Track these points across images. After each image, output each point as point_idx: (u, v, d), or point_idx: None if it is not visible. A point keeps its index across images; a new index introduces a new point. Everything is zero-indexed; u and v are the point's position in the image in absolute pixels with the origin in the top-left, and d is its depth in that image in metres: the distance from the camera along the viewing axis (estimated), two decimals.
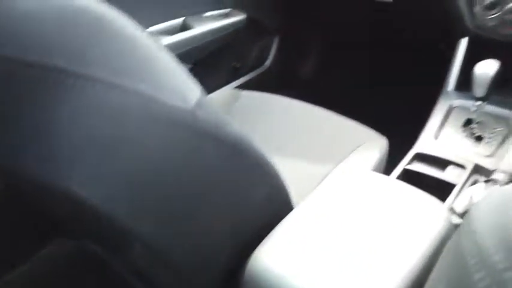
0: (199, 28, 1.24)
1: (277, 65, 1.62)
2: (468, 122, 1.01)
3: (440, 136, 0.99)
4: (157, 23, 1.20)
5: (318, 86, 1.65)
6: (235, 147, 0.45)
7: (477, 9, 0.99)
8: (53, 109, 0.32)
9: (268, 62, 1.61)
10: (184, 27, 1.25)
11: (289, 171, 0.90)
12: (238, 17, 1.36)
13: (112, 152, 0.35)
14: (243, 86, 1.53)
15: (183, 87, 0.40)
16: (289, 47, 1.64)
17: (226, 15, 1.35)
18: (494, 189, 0.50)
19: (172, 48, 1.19)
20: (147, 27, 1.18)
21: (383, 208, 0.54)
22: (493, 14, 0.97)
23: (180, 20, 1.25)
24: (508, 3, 0.94)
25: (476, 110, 0.97)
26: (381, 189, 0.58)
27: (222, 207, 0.46)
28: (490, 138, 0.95)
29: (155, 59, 0.39)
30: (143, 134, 0.36)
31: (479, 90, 0.92)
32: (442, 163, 0.92)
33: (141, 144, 0.36)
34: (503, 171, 0.74)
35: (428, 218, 0.52)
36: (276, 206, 0.56)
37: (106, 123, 0.34)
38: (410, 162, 0.94)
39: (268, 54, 1.60)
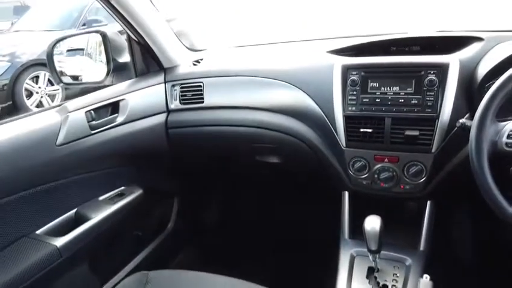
0: (95, 217, 1.19)
1: (180, 225, 1.61)
2: (371, 270, 1.10)
3: None
4: (48, 222, 1.12)
5: (222, 239, 1.67)
6: None
7: (351, 171, 1.15)
8: None
9: (171, 225, 1.59)
10: (78, 220, 1.18)
11: None
12: (134, 194, 1.34)
13: None
14: (149, 256, 1.47)
15: None
16: (190, 205, 1.66)
17: (121, 194, 1.33)
18: None
19: (68, 248, 1.10)
20: (37, 229, 1.09)
21: None
22: (364, 175, 1.14)
23: (72, 213, 1.19)
24: (374, 165, 1.12)
25: (374, 260, 1.07)
26: None
27: None
28: (393, 286, 1.04)
29: None
30: None
31: (372, 244, 1.02)
32: None
33: None
34: None
35: None
36: None
37: None
38: None
39: (169, 216, 1.59)
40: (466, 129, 0.90)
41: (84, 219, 1.18)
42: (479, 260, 1.38)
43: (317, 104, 1.19)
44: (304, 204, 1.58)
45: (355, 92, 1.12)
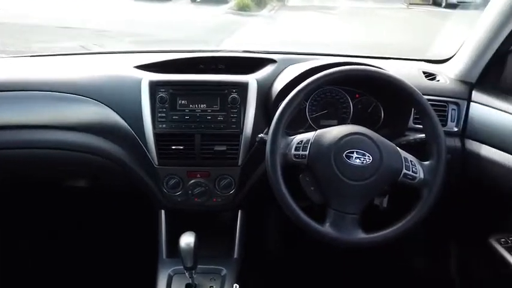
0: None
1: None
2: (189, 286, 1.09)
3: None
4: None
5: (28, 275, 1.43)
6: None
7: (165, 189, 1.13)
8: None
9: None
10: None
11: None
12: None
13: None
14: None
15: None
16: None
17: None
18: None
19: None
20: None
21: None
22: (178, 191, 1.14)
23: None
24: (188, 182, 1.12)
25: (191, 276, 1.07)
26: None
27: None
28: None
29: None
30: None
31: (187, 261, 1.02)
32: None
33: None
34: None
35: None
36: None
37: None
38: None
39: None
40: (263, 143, 0.98)
41: None
42: (290, 256, 1.55)
43: (126, 122, 1.12)
44: (120, 227, 1.48)
45: (164, 109, 1.10)
